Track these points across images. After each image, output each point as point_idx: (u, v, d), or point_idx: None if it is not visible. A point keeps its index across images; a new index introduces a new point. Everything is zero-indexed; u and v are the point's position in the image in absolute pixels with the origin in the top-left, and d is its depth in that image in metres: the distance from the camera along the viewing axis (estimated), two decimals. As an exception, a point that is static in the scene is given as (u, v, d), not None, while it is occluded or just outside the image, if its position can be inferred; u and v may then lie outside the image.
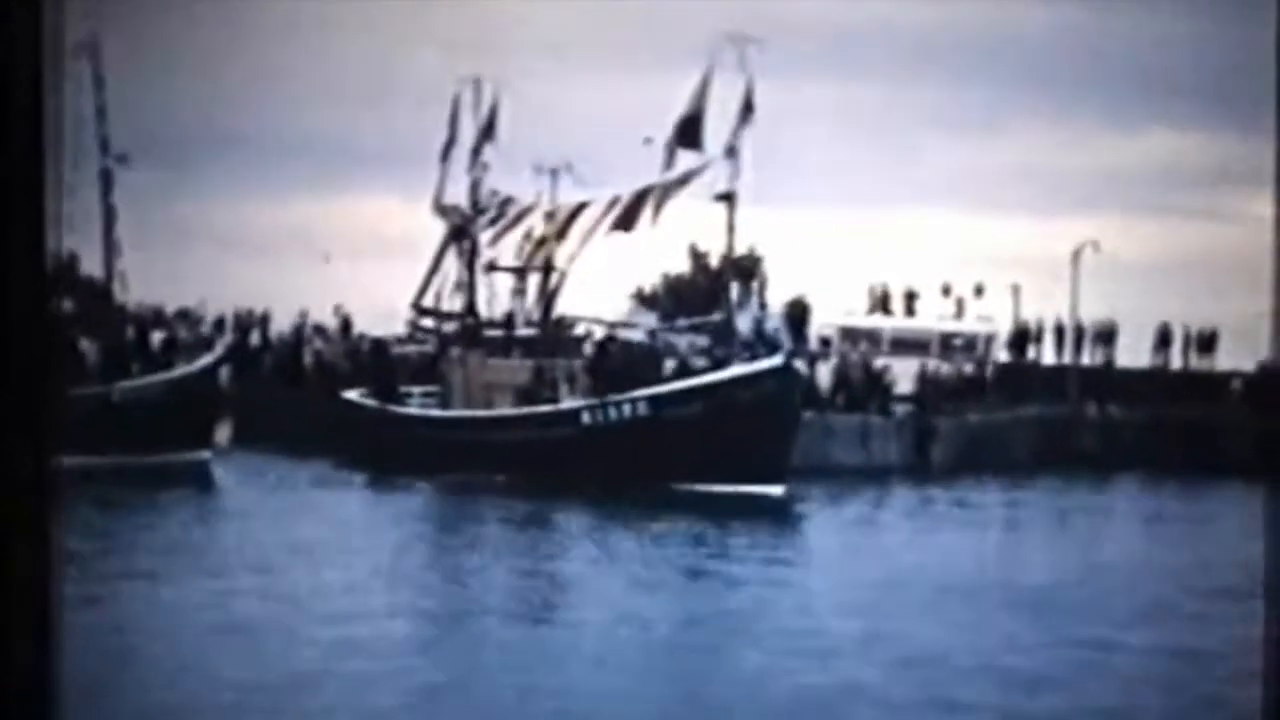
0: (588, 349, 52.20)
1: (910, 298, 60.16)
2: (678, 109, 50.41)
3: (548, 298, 54.72)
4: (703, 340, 51.82)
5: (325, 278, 64.49)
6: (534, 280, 55.27)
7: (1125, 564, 36.28)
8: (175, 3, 69.41)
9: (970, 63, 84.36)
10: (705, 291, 54.90)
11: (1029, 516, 46.40)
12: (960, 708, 21.73)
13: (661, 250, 55.02)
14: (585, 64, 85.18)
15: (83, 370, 49.29)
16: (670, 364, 50.01)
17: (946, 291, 60.28)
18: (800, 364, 49.63)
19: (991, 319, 60.86)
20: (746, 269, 55.41)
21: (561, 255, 54.26)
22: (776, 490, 45.56)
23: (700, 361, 49.82)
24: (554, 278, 54.62)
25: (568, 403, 49.39)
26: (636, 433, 46.86)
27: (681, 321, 53.67)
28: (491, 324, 54.80)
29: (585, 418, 48.33)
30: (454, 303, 56.30)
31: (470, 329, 54.82)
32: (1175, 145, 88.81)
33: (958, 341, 59.75)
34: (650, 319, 54.47)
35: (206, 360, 54.25)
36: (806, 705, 21.81)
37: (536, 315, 54.56)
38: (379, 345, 60.79)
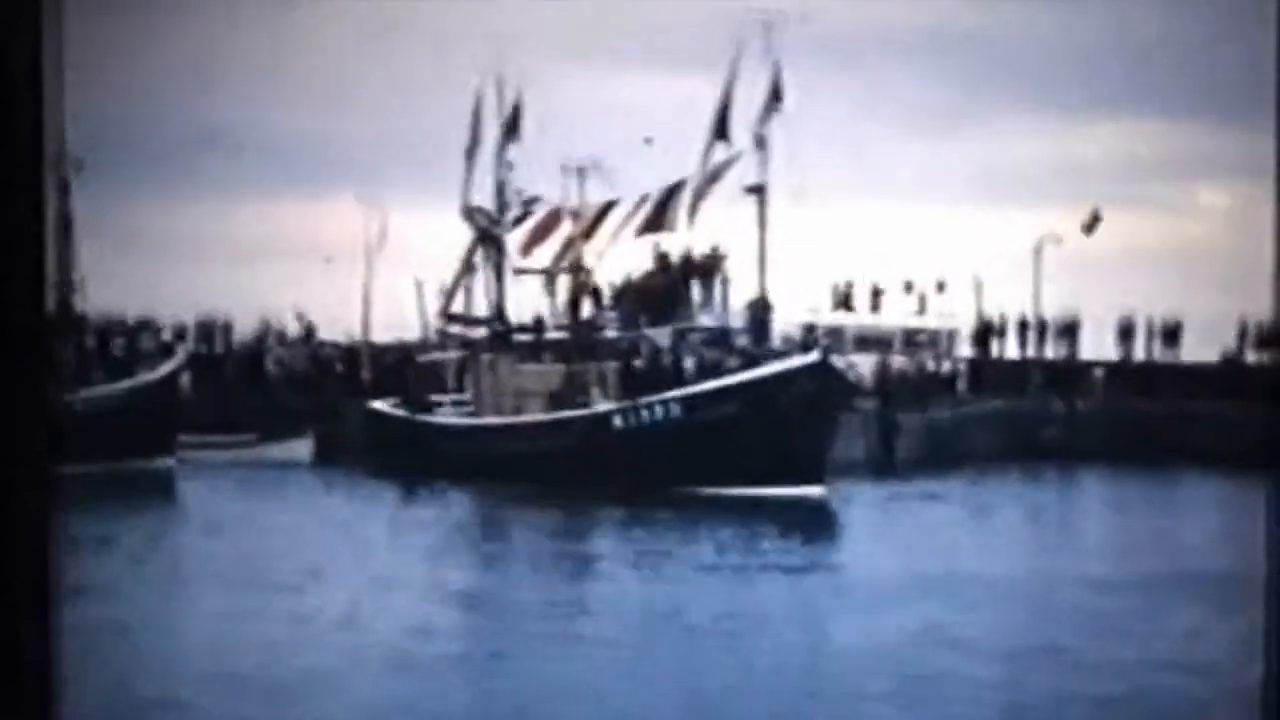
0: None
1: (876, 294, 60.19)
2: (702, 104, 50.21)
3: (576, 299, 53.83)
4: (664, 338, 51.49)
5: (289, 284, 64.27)
6: (563, 282, 54.40)
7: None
8: (131, 7, 69.00)
9: (933, 58, 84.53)
10: (666, 291, 54.53)
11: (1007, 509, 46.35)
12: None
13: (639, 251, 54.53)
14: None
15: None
16: (698, 365, 48.97)
17: (909, 288, 60.38)
18: (838, 360, 48.59)
19: (954, 315, 60.99)
20: (708, 268, 55.18)
21: (590, 255, 53.69)
22: (816, 491, 44.45)
23: (732, 361, 48.93)
24: (583, 278, 53.72)
25: (599, 406, 48.37)
26: (669, 435, 45.80)
27: (644, 321, 53.22)
28: (521, 328, 53.92)
29: (617, 421, 47.39)
30: (482, 307, 55.56)
31: (500, 334, 53.98)
32: (1135, 138, 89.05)
33: (921, 338, 59.84)
34: (612, 320, 54.04)
35: (167, 368, 54.09)
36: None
37: (566, 318, 53.54)
38: (405, 353, 59.95)
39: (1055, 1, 79.41)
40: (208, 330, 62.10)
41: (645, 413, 46.83)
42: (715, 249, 54.04)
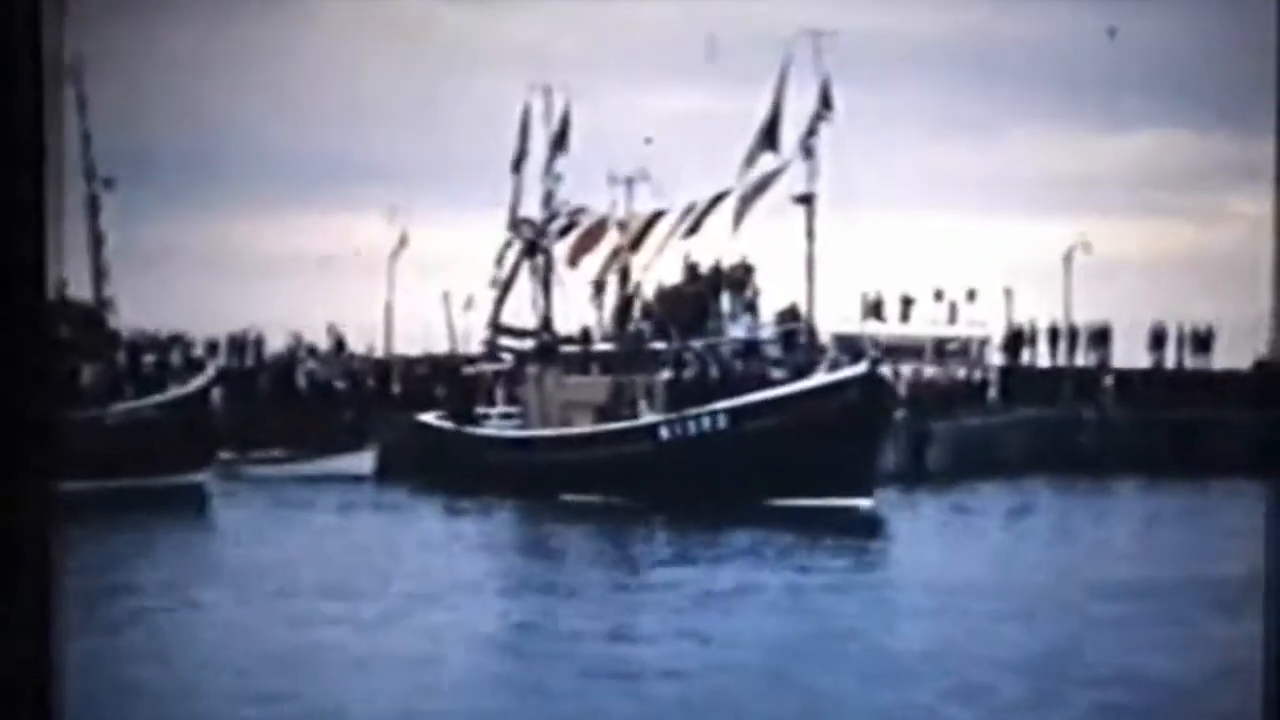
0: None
1: (906, 303, 60.03)
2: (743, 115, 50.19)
3: (624, 310, 53.74)
4: (697, 345, 51.38)
5: (317, 297, 64.35)
6: (610, 293, 54.39)
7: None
8: (158, 22, 69.33)
9: (961, 67, 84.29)
10: (696, 302, 54.38)
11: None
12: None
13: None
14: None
15: (78, 395, 49.22)
16: (743, 376, 48.74)
17: (939, 296, 60.21)
18: (885, 370, 48.18)
19: (984, 323, 60.81)
20: (738, 279, 55.03)
21: (636, 266, 53.65)
22: (865, 503, 44.26)
23: (778, 372, 48.77)
24: (630, 289, 53.63)
25: (646, 418, 48.20)
26: (717, 447, 45.61)
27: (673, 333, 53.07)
28: (568, 339, 53.83)
29: (663, 433, 47.21)
30: (530, 319, 55.56)
31: (547, 345, 53.90)
32: (1163, 145, 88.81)
33: (951, 346, 59.67)
34: (644, 330, 53.96)
35: (199, 382, 54.22)
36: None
37: (613, 329, 53.49)
38: (449, 366, 59.72)
39: (1084, 13, 79.24)
40: (239, 345, 62.19)
41: (693, 424, 46.68)
42: (745, 259, 53.98)
